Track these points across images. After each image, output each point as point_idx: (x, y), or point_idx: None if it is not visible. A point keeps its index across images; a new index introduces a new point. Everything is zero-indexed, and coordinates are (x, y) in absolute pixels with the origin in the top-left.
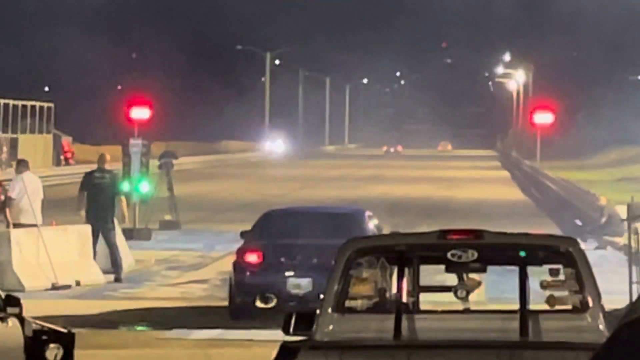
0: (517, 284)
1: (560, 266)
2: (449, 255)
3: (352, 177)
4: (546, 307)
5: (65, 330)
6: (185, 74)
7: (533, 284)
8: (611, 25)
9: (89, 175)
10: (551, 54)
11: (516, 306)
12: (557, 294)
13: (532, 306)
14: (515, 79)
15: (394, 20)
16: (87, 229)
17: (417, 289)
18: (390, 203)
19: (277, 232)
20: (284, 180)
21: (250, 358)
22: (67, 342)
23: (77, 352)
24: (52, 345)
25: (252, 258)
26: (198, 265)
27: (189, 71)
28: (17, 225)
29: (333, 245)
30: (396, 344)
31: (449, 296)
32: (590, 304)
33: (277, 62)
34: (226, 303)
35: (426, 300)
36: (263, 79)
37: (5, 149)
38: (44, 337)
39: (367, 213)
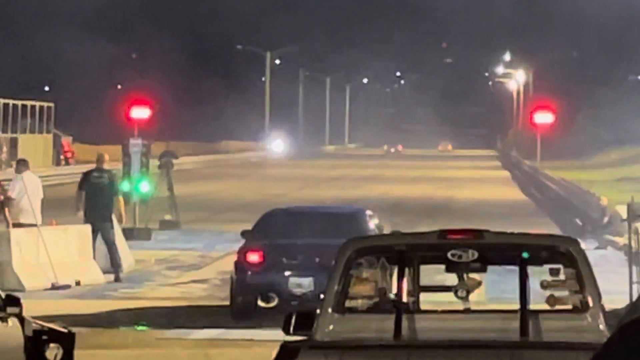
0: (517, 283)
1: (560, 266)
2: (449, 255)
3: (352, 177)
4: (546, 307)
5: (65, 330)
6: (185, 74)
7: (533, 283)
8: (611, 25)
9: (87, 174)
10: (551, 53)
11: (516, 306)
12: (557, 293)
13: (533, 306)
14: (516, 79)
15: (394, 20)
16: (87, 228)
17: (417, 288)
18: (390, 203)
19: (279, 231)
20: (284, 180)
21: (251, 358)
22: (67, 342)
23: (77, 352)
24: (52, 345)
25: (254, 257)
26: (198, 265)
27: (189, 71)
28: (17, 225)
29: (334, 245)
30: (396, 344)
31: (449, 296)
32: (591, 304)
33: (277, 62)
34: (226, 303)
35: (426, 300)
36: (263, 79)
37: (5, 148)
38: (44, 337)
39: (368, 213)
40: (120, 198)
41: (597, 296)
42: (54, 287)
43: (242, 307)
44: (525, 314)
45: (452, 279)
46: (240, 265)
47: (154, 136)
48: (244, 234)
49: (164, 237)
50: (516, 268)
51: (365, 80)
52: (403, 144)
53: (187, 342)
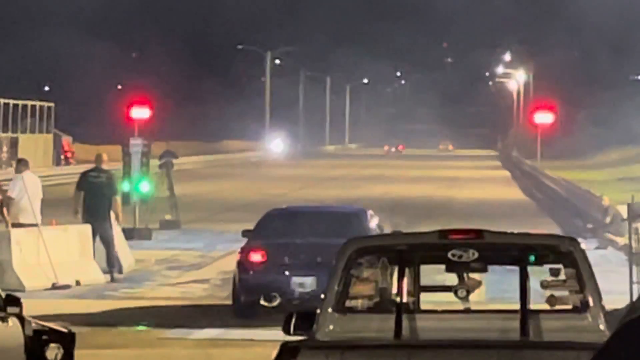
0: (518, 283)
1: (560, 266)
2: (449, 255)
3: (353, 177)
4: (547, 306)
5: (65, 330)
6: (186, 74)
7: (533, 283)
8: (612, 25)
9: (85, 174)
10: (552, 53)
11: (517, 306)
12: (557, 293)
13: (533, 306)
14: (516, 79)
15: (394, 20)
16: (87, 228)
17: (417, 288)
18: (390, 203)
19: (281, 231)
20: (284, 180)
21: (251, 358)
22: (68, 342)
23: (77, 352)
24: (52, 345)
25: (256, 257)
26: (198, 265)
27: (189, 71)
28: (17, 225)
29: (337, 245)
30: (397, 344)
31: (449, 296)
32: (591, 304)
33: (277, 62)
34: (227, 302)
35: (427, 300)
36: (263, 79)
37: (5, 148)
38: (44, 337)
39: (369, 212)
40: (118, 198)
41: (598, 296)
42: (54, 287)
43: (244, 306)
44: (525, 313)
45: (452, 278)
46: (243, 264)
47: (154, 136)
48: (245, 233)
49: (165, 237)
50: (516, 268)
51: (365, 80)
52: (403, 144)
53: (187, 342)
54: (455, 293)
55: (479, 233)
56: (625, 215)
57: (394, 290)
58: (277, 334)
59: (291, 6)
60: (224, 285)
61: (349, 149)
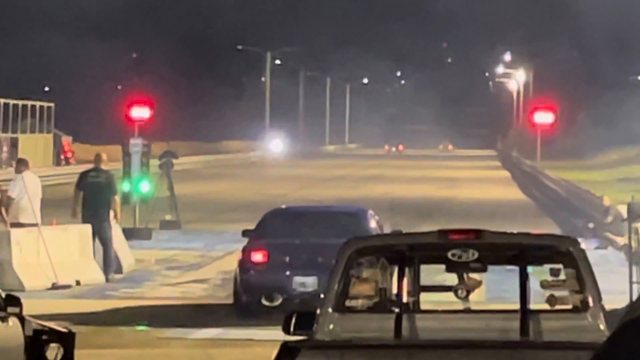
0: (518, 283)
1: (560, 266)
2: (449, 254)
3: (353, 177)
4: (547, 306)
5: (65, 330)
6: (185, 74)
7: (533, 283)
8: (612, 25)
9: (84, 174)
10: (552, 53)
11: (517, 306)
12: (557, 293)
13: (533, 306)
14: (516, 79)
15: (394, 20)
16: (88, 228)
17: (417, 288)
18: (390, 203)
19: (282, 231)
20: (284, 180)
21: (251, 358)
22: (68, 342)
23: (77, 352)
24: (52, 344)
25: (258, 257)
26: (198, 264)
27: (189, 71)
28: (17, 225)
29: (338, 244)
30: (397, 344)
31: (449, 296)
32: (591, 304)
33: (277, 62)
34: (227, 302)
35: (427, 300)
36: (263, 79)
37: (5, 148)
38: (44, 337)
39: (369, 212)
40: (117, 198)
41: (598, 296)
42: (54, 287)
43: (246, 306)
44: (525, 313)
45: (452, 278)
46: (244, 264)
47: (154, 136)
48: (245, 233)
49: (164, 237)
50: (516, 268)
51: (365, 80)
52: (404, 144)
53: (187, 341)
54: (455, 293)
55: (478, 233)
56: (625, 215)
57: (394, 290)
58: (277, 334)
59: (291, 6)
60: (224, 285)
61: (349, 149)
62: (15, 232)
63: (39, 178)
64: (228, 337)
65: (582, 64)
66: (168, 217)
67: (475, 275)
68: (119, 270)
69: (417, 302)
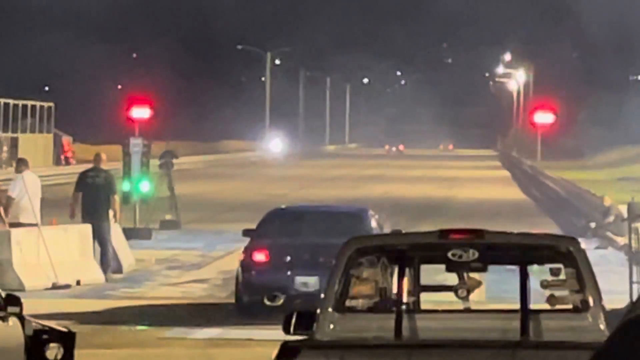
0: (518, 283)
1: (561, 266)
2: (449, 254)
3: (353, 177)
4: (547, 306)
5: (65, 330)
6: (186, 74)
7: (534, 283)
8: (612, 26)
9: (83, 174)
10: (552, 54)
11: (517, 306)
12: (557, 293)
13: (533, 306)
14: (516, 79)
15: (394, 20)
16: (88, 228)
17: (417, 288)
18: (391, 203)
19: (284, 230)
20: (284, 180)
21: (251, 357)
22: (68, 342)
23: (77, 352)
24: (52, 344)
25: (260, 257)
26: (198, 264)
27: (189, 71)
28: (17, 225)
29: (340, 244)
30: (397, 344)
31: (449, 296)
32: (591, 304)
33: (277, 62)
34: (227, 302)
35: (427, 300)
36: (263, 79)
37: (5, 148)
38: (45, 337)
39: (370, 212)
40: (116, 197)
41: (598, 296)
42: (55, 287)
43: (248, 305)
44: (525, 313)
45: (452, 278)
46: (246, 264)
47: (154, 136)
48: (246, 233)
49: (165, 237)
50: (516, 268)
51: (365, 80)
52: (404, 144)
53: (187, 341)
54: (456, 293)
55: (479, 233)
56: (625, 215)
57: (394, 290)
58: (277, 334)
59: (291, 6)
60: (224, 285)
61: (349, 149)
62: (15, 232)
63: (39, 178)
64: (228, 337)
65: (582, 64)
66: (168, 217)
67: (475, 275)
68: (119, 270)
69: (417, 302)
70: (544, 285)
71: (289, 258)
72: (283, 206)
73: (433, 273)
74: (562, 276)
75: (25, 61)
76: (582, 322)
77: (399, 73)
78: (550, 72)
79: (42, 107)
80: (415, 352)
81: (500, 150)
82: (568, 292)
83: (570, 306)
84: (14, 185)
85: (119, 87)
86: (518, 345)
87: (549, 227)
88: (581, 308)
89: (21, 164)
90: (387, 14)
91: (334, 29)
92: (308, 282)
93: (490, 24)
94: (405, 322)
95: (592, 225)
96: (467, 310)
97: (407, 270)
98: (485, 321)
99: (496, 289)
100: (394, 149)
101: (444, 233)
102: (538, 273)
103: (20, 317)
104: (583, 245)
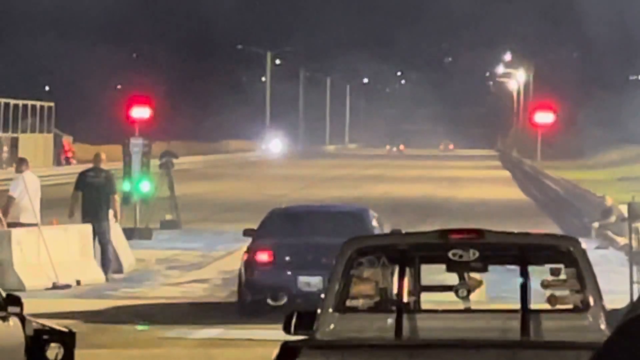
0: (518, 283)
1: (561, 265)
2: (450, 254)
3: (353, 177)
4: (547, 306)
5: (66, 330)
6: (186, 74)
7: (534, 283)
8: (612, 26)
9: (83, 174)
10: (552, 53)
11: (517, 306)
12: (558, 293)
13: (533, 305)
14: (516, 79)
15: (394, 20)
16: (88, 228)
17: (418, 288)
18: (391, 203)
19: (286, 230)
20: (284, 180)
21: (252, 357)
22: (68, 342)
23: (77, 352)
24: (52, 344)
25: (263, 257)
26: (199, 264)
27: (189, 71)
28: (17, 225)
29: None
30: (397, 344)
31: (450, 295)
32: (592, 304)
33: (277, 62)
34: (227, 302)
35: (427, 300)
36: (263, 79)
37: (5, 148)
38: (45, 337)
39: (370, 211)
40: (117, 197)
41: (598, 296)
42: (55, 287)
43: (250, 305)
44: (526, 313)
45: (453, 278)
46: (250, 264)
47: (155, 136)
48: (247, 232)
49: (165, 237)
50: (517, 267)
51: (365, 80)
52: (404, 144)
53: (187, 341)
54: (456, 293)
55: (479, 233)
56: (626, 215)
57: (395, 290)
58: (277, 334)
59: (291, 6)
60: (224, 285)
61: (349, 149)
62: (15, 232)
63: (39, 178)
64: (228, 337)
65: (582, 64)
66: (168, 216)
67: (475, 275)
68: (119, 270)
69: (417, 302)
70: (545, 285)
71: (292, 258)
72: (283, 206)
73: (434, 273)
74: (562, 276)
75: (26, 61)
76: (583, 322)
77: (399, 73)
78: (551, 72)
79: (42, 107)
80: (415, 352)
81: (501, 150)
82: (568, 292)
83: (570, 306)
84: (14, 185)
85: (119, 87)
86: (518, 345)
87: (549, 227)
88: (581, 308)
89: (22, 164)
90: (387, 14)
91: (334, 29)
92: (311, 282)
93: (490, 24)
94: (405, 322)
95: (595, 225)
96: (468, 310)
97: (407, 270)
98: (486, 321)
99: (496, 289)
100: (394, 149)
101: (444, 233)
102: (538, 273)
103: (21, 317)
104: (584, 245)
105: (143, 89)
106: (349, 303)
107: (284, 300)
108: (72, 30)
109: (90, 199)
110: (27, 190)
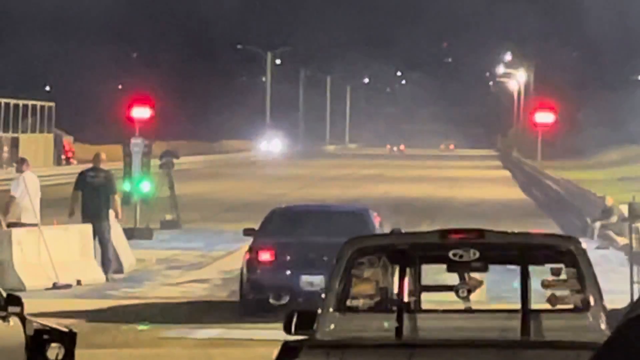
0: (519, 283)
1: (561, 265)
2: (450, 254)
3: (353, 177)
4: (547, 306)
5: (66, 330)
6: (186, 74)
7: (534, 283)
8: (613, 26)
9: (82, 174)
10: (552, 53)
11: (517, 305)
12: (558, 293)
13: (534, 305)
14: (516, 79)
15: (394, 20)
16: (88, 228)
17: (418, 288)
18: (391, 202)
19: (288, 230)
20: (285, 180)
21: (252, 357)
22: (68, 342)
23: (78, 352)
24: (53, 344)
25: (265, 256)
26: (199, 264)
27: (189, 71)
28: (18, 225)
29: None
30: (398, 343)
31: (450, 295)
32: (592, 303)
33: (277, 61)
34: (228, 302)
35: (428, 300)
36: (263, 79)
37: (6, 148)
38: (45, 337)
39: (370, 211)
40: (117, 196)
41: (599, 295)
42: (55, 287)
43: (252, 304)
44: (526, 313)
45: (453, 278)
46: (252, 263)
47: (155, 136)
48: (247, 232)
49: (165, 237)
50: (517, 267)
51: (365, 80)
52: (405, 144)
53: (188, 341)
54: (457, 292)
55: (479, 233)
56: (626, 215)
57: (395, 289)
58: (278, 334)
59: (291, 6)
60: (225, 285)
61: (349, 149)
62: (16, 232)
63: (39, 178)
64: (228, 337)
65: (582, 64)
66: (169, 216)
67: (476, 275)
68: (119, 270)
69: (418, 302)
70: (545, 285)
71: (294, 257)
72: (283, 205)
73: (434, 273)
74: (562, 276)
75: (26, 61)
76: (583, 321)
77: (399, 73)
78: (551, 71)
79: (42, 107)
80: (416, 352)
81: (501, 150)
82: (569, 291)
83: (571, 306)
84: (15, 185)
85: (120, 86)
86: (519, 345)
87: (550, 227)
88: (582, 308)
89: (23, 164)
90: (387, 14)
91: (334, 29)
92: (313, 282)
93: (490, 24)
94: (406, 322)
95: (596, 225)
96: (468, 310)
97: (408, 270)
98: (486, 321)
99: (497, 288)
100: (395, 149)
101: (444, 233)
102: (539, 273)
103: (21, 317)
104: (584, 245)
105: (143, 89)
106: (349, 303)
107: (287, 299)
108: (72, 31)
109: (90, 198)
110: (28, 190)
